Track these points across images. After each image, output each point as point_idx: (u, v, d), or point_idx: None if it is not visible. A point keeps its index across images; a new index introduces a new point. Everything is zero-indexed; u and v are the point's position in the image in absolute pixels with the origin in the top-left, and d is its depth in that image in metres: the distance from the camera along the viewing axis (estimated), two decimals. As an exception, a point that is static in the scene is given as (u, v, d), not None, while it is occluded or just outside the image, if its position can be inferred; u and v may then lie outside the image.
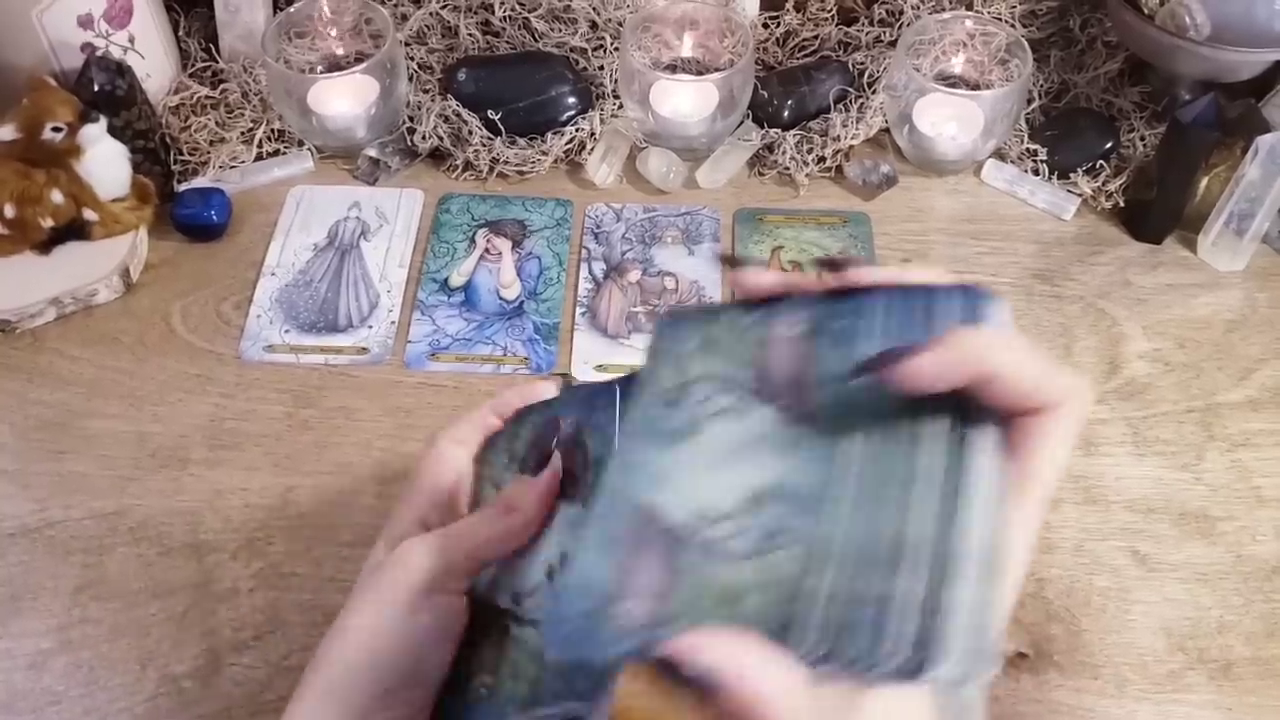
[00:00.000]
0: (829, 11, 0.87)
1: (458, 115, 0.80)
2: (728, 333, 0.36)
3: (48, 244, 0.72)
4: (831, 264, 0.35)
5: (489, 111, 0.79)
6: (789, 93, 0.81)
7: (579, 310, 0.72)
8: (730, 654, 0.27)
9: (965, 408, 0.30)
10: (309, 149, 0.80)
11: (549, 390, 0.45)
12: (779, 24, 0.87)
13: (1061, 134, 0.79)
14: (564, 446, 0.41)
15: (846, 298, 0.35)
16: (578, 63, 0.83)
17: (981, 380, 0.30)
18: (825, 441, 0.32)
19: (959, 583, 0.27)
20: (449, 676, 0.38)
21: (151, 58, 0.81)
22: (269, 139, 0.81)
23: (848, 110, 0.80)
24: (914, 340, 0.31)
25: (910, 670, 0.26)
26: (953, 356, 0.30)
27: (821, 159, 0.79)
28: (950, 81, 0.82)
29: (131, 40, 0.78)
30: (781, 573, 0.29)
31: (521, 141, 0.80)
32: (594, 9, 0.84)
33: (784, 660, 0.27)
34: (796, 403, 0.33)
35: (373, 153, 0.79)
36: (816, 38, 0.86)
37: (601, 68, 0.83)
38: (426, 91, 0.82)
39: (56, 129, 0.69)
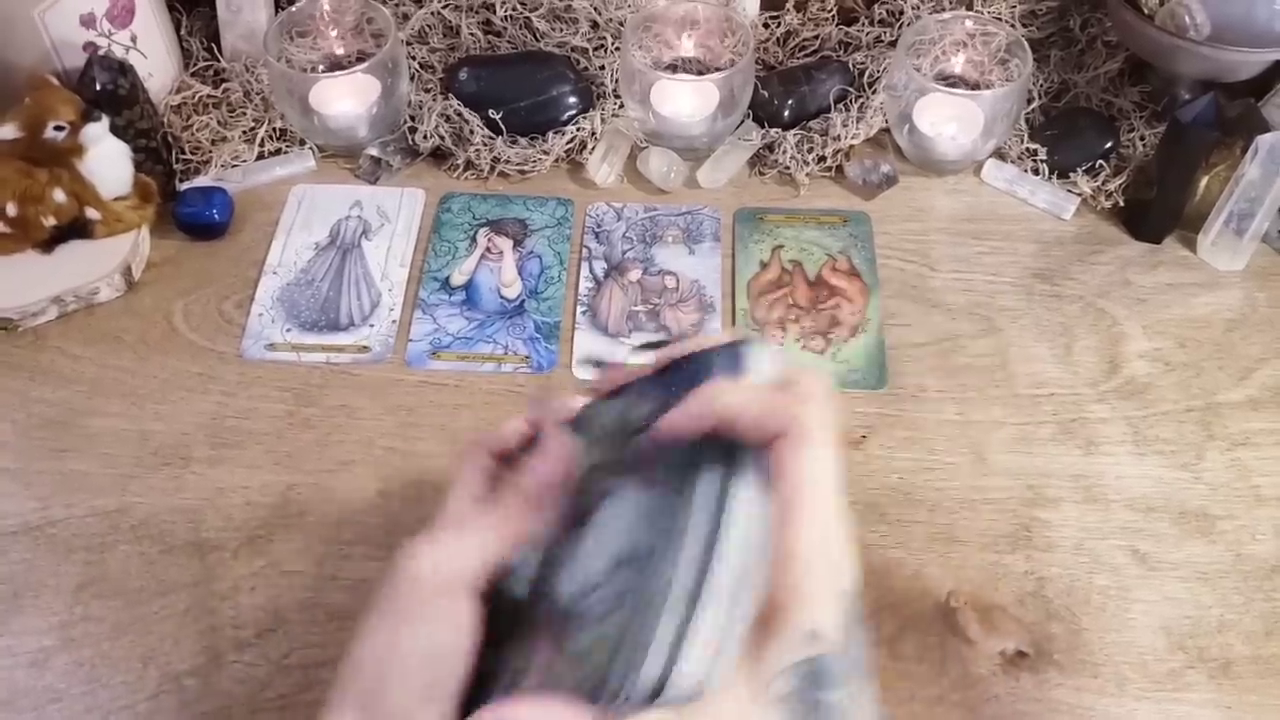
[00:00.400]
0: (829, 11, 0.87)
1: (459, 114, 0.80)
2: (610, 421, 0.41)
3: (50, 243, 0.72)
4: (651, 345, 0.42)
5: (490, 111, 0.79)
6: (789, 92, 0.81)
7: (580, 309, 0.72)
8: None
9: (730, 451, 0.35)
10: (311, 148, 0.81)
11: (577, 403, 0.45)
12: (779, 24, 0.87)
13: (1061, 134, 0.79)
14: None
15: (664, 373, 0.40)
16: (579, 62, 0.84)
17: (723, 424, 0.35)
18: (659, 502, 0.36)
19: (699, 611, 0.32)
20: (480, 679, 0.38)
21: (154, 57, 0.81)
22: (271, 138, 0.81)
23: (848, 110, 0.80)
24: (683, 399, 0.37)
25: (646, 696, 0.31)
26: (691, 409, 0.36)
27: (822, 158, 0.79)
28: (950, 81, 0.82)
29: (134, 39, 0.79)
30: (618, 628, 0.34)
31: (523, 141, 0.80)
32: (595, 9, 0.85)
33: (572, 709, 0.32)
34: (648, 473, 0.38)
35: (374, 152, 0.80)
36: (817, 37, 0.86)
37: (602, 67, 0.83)
38: (428, 91, 0.82)
39: (59, 128, 0.69)
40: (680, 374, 0.39)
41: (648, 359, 0.41)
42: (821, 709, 0.35)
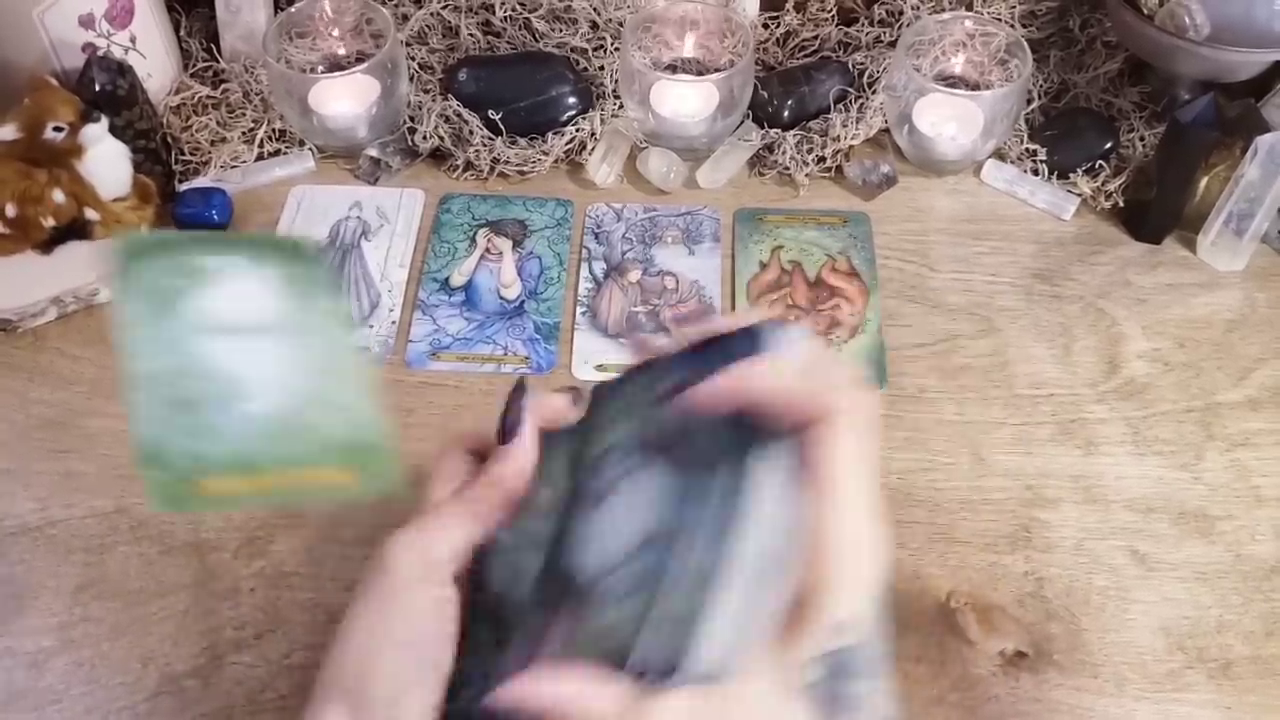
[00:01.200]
0: (829, 12, 0.87)
1: (458, 115, 0.80)
2: (635, 397, 0.40)
3: (49, 243, 0.72)
4: (681, 319, 0.41)
5: (490, 111, 0.79)
6: (789, 93, 0.81)
7: (579, 310, 0.72)
8: (550, 690, 0.32)
9: (757, 433, 0.35)
10: (310, 149, 0.81)
11: (556, 400, 0.44)
12: (779, 24, 0.87)
13: (1061, 134, 0.79)
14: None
15: (693, 350, 0.39)
16: (578, 63, 0.84)
17: (752, 405, 0.35)
18: (684, 482, 0.36)
19: (721, 592, 0.32)
20: (460, 678, 0.38)
21: (153, 57, 0.81)
22: (270, 139, 0.81)
23: (848, 110, 0.80)
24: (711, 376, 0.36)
25: (664, 671, 0.32)
26: (720, 386, 0.35)
27: (821, 159, 0.79)
28: (950, 82, 0.82)
29: (133, 40, 0.79)
30: (641, 606, 0.34)
31: (522, 141, 0.80)
32: (595, 9, 0.85)
33: (601, 680, 0.32)
34: (676, 451, 0.37)
35: (374, 152, 0.80)
36: (816, 38, 0.86)
37: (602, 68, 0.83)
38: (427, 91, 0.82)
39: (58, 128, 0.69)
40: (706, 352, 0.38)
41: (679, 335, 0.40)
42: (843, 700, 0.35)
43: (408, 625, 0.37)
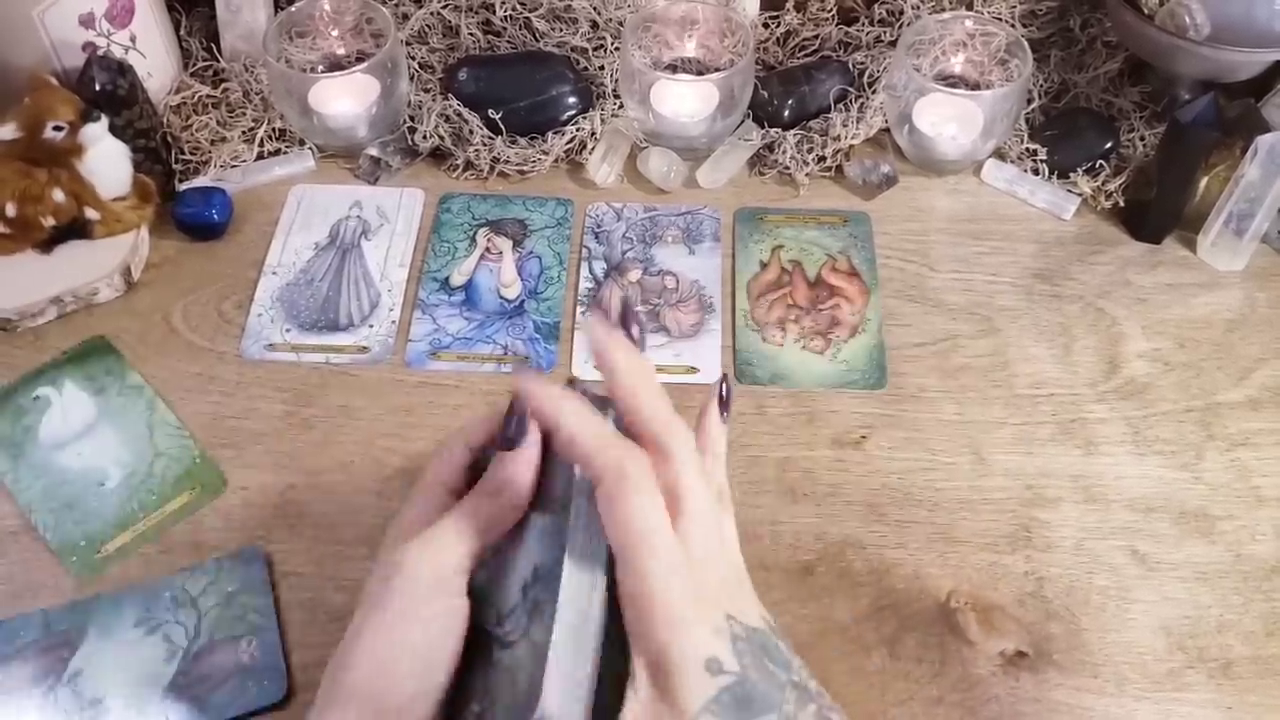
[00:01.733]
0: (829, 11, 0.87)
1: (459, 115, 0.80)
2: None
3: (49, 243, 0.72)
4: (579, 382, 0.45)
5: (490, 111, 0.79)
6: (789, 92, 0.81)
7: (580, 309, 0.72)
8: None
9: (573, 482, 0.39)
10: (310, 148, 0.81)
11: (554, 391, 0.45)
12: (779, 24, 0.87)
13: (1061, 134, 0.79)
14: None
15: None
16: (578, 62, 0.84)
17: (564, 447, 0.38)
18: (547, 522, 0.40)
19: (554, 639, 0.36)
20: (445, 704, 0.38)
21: (153, 57, 0.81)
22: (270, 138, 0.81)
23: (848, 110, 0.80)
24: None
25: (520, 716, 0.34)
26: (533, 405, 0.39)
27: (822, 158, 0.79)
28: (950, 81, 0.82)
29: (133, 39, 0.79)
30: (538, 641, 0.36)
31: (522, 141, 0.80)
32: (595, 9, 0.85)
33: None
34: (548, 503, 0.40)
35: (374, 152, 0.80)
36: (817, 37, 0.86)
37: (602, 67, 0.83)
38: (427, 91, 0.82)
39: (58, 128, 0.69)
40: None
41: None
42: None
43: (424, 634, 0.37)
